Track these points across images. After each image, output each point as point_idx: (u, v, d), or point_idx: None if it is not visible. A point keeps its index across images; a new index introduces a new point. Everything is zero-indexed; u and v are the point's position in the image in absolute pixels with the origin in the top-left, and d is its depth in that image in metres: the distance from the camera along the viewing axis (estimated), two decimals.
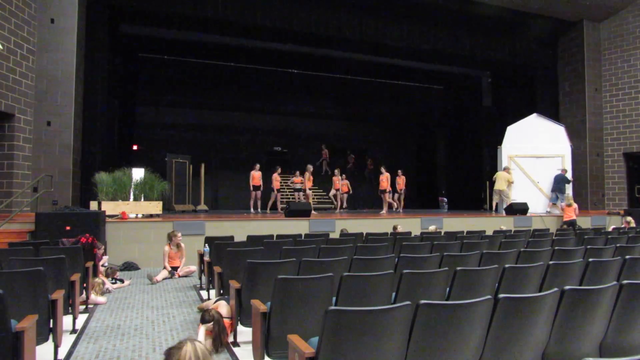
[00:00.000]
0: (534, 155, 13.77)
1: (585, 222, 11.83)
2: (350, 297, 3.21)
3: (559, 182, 13.34)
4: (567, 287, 2.60)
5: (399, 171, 14.89)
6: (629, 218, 9.30)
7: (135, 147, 16.21)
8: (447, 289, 3.51)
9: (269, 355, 3.09)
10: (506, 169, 13.45)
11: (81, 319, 4.82)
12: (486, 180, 17.19)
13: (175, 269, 7.46)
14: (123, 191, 9.76)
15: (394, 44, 14.46)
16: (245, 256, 4.61)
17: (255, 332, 3.24)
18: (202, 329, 3.91)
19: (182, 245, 7.60)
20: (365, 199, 17.69)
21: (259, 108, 18.86)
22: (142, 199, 10.19)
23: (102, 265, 6.89)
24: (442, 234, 7.65)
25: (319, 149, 19.18)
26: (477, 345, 2.42)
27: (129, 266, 8.12)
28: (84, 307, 5.34)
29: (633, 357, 1.60)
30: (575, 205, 11.33)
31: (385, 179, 13.99)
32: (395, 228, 8.66)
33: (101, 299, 5.76)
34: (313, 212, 12.57)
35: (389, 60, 17.57)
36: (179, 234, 7.62)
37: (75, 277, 4.50)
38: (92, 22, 11.12)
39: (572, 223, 10.79)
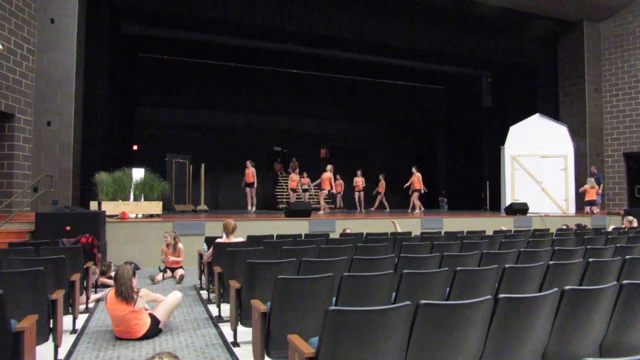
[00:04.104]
0: (537, 155, 13.76)
1: (585, 222, 11.82)
2: (350, 297, 3.20)
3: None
4: (567, 287, 2.60)
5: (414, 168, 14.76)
6: (631, 217, 9.25)
7: (135, 147, 16.21)
8: (447, 289, 3.51)
9: (269, 355, 3.08)
10: None
11: (81, 319, 4.82)
12: (486, 180, 17.20)
13: (173, 270, 7.40)
14: (123, 191, 9.76)
15: (394, 44, 14.46)
16: (245, 256, 4.61)
17: (255, 332, 3.24)
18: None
19: (180, 246, 7.40)
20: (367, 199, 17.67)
21: (259, 108, 18.84)
22: (142, 199, 10.19)
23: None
24: (442, 234, 7.64)
25: (319, 148, 19.16)
26: (477, 345, 2.42)
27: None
28: (84, 307, 5.34)
29: (633, 357, 1.60)
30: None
31: (416, 179, 14.00)
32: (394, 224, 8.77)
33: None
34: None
35: (389, 60, 17.58)
36: (167, 236, 7.35)
37: (75, 277, 4.50)
38: (92, 21, 11.12)
39: (592, 203, 12.75)
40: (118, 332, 4.16)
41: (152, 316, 4.27)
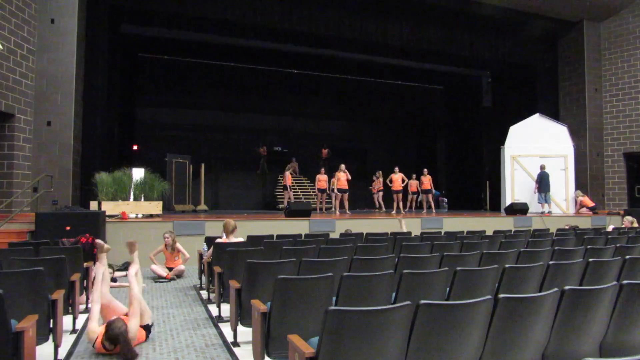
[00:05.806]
0: (536, 155, 13.75)
1: (585, 222, 11.83)
2: (350, 297, 3.20)
3: (547, 181, 13.24)
4: (567, 287, 2.60)
5: (425, 171, 14.86)
6: (631, 218, 9.23)
7: (135, 147, 16.22)
8: (447, 289, 3.51)
9: (269, 355, 3.08)
10: None
11: (81, 319, 4.81)
12: (486, 180, 17.19)
13: (171, 270, 7.40)
14: (123, 191, 9.76)
15: (394, 44, 14.46)
16: (245, 256, 4.61)
17: (255, 332, 3.24)
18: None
19: (178, 246, 7.41)
20: (367, 199, 17.68)
21: (259, 108, 18.85)
22: (142, 199, 10.19)
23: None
24: (442, 234, 7.64)
25: (319, 148, 19.15)
26: (477, 345, 2.42)
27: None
28: (84, 307, 5.34)
29: (633, 357, 1.60)
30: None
31: (399, 179, 14.13)
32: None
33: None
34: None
35: (389, 60, 17.58)
36: (167, 236, 7.37)
37: (75, 277, 4.51)
38: (92, 22, 11.11)
39: (594, 209, 13.36)
40: None
41: (144, 327, 4.02)
